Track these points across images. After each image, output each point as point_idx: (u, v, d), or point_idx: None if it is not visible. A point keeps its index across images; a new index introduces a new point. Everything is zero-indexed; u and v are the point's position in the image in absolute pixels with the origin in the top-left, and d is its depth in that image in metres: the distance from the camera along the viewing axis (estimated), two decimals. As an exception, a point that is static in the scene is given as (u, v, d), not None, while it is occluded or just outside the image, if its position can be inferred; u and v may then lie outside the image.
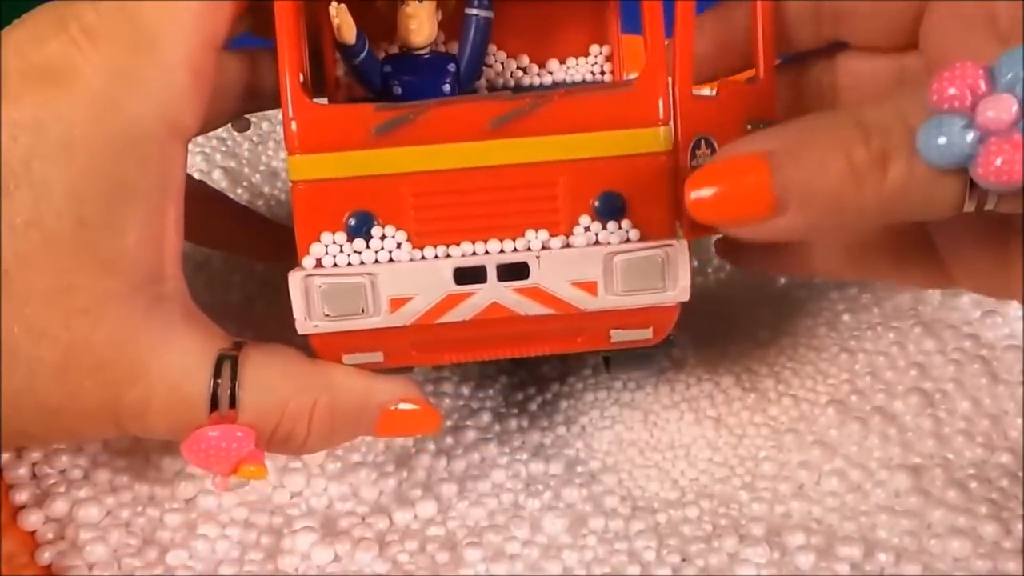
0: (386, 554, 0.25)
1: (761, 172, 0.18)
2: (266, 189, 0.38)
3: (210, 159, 0.38)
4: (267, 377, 0.22)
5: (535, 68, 0.27)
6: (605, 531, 0.25)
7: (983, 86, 0.17)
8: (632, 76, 0.27)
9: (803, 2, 0.25)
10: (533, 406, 0.30)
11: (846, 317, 0.31)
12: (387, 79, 0.24)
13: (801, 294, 0.33)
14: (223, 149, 0.39)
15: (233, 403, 0.22)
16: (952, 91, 0.17)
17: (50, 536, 0.25)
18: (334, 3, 0.22)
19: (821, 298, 0.32)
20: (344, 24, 0.22)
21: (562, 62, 0.27)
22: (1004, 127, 0.16)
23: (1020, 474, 0.25)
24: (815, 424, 0.27)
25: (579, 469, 0.27)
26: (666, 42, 0.22)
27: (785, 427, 0.27)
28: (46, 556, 0.24)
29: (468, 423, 0.29)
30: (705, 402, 0.29)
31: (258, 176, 0.38)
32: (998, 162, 0.16)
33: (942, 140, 0.17)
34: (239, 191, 0.37)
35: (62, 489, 0.26)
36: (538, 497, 0.26)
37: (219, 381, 0.22)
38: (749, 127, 0.25)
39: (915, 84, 0.18)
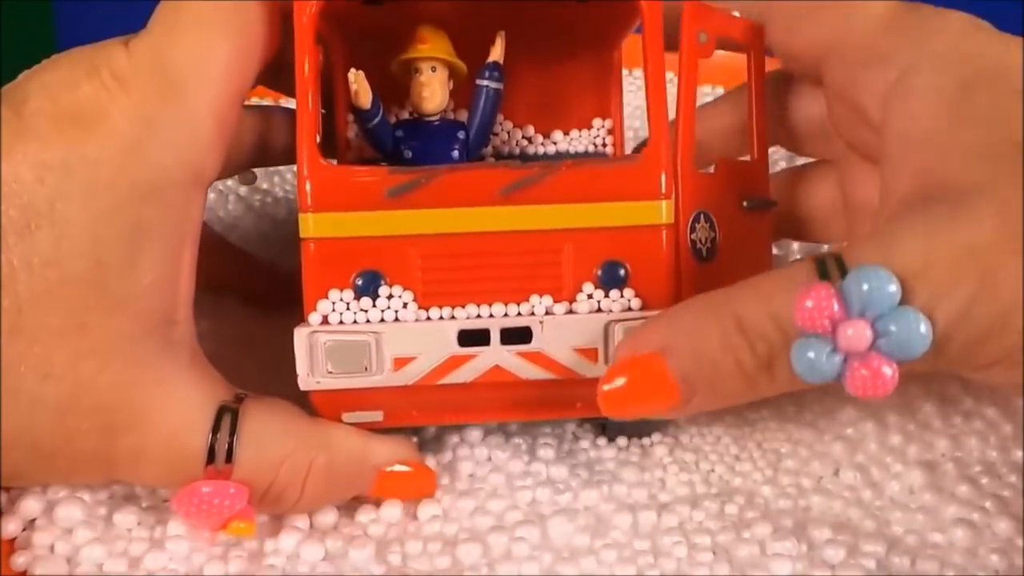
0: (382, 555, 0.24)
1: (662, 369, 0.20)
2: (264, 185, 0.38)
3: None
4: (266, 433, 0.22)
5: (540, 138, 0.28)
6: (630, 528, 0.24)
7: (837, 308, 0.19)
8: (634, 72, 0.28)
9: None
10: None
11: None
12: (398, 143, 0.24)
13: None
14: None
15: (230, 457, 0.22)
16: (811, 307, 0.19)
17: (26, 540, 0.24)
18: (352, 70, 0.23)
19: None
20: (361, 90, 0.23)
21: (566, 133, 0.28)
22: (862, 349, 0.19)
23: None
24: (835, 421, 0.27)
25: (598, 468, 0.27)
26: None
27: (806, 422, 0.28)
28: (20, 561, 0.23)
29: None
30: None
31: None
32: (863, 375, 0.19)
33: (813, 359, 0.19)
34: (230, 183, 0.37)
35: (38, 489, 0.24)
36: (559, 496, 0.25)
37: (218, 435, 0.22)
38: (745, 204, 0.26)
39: (782, 278, 0.20)
